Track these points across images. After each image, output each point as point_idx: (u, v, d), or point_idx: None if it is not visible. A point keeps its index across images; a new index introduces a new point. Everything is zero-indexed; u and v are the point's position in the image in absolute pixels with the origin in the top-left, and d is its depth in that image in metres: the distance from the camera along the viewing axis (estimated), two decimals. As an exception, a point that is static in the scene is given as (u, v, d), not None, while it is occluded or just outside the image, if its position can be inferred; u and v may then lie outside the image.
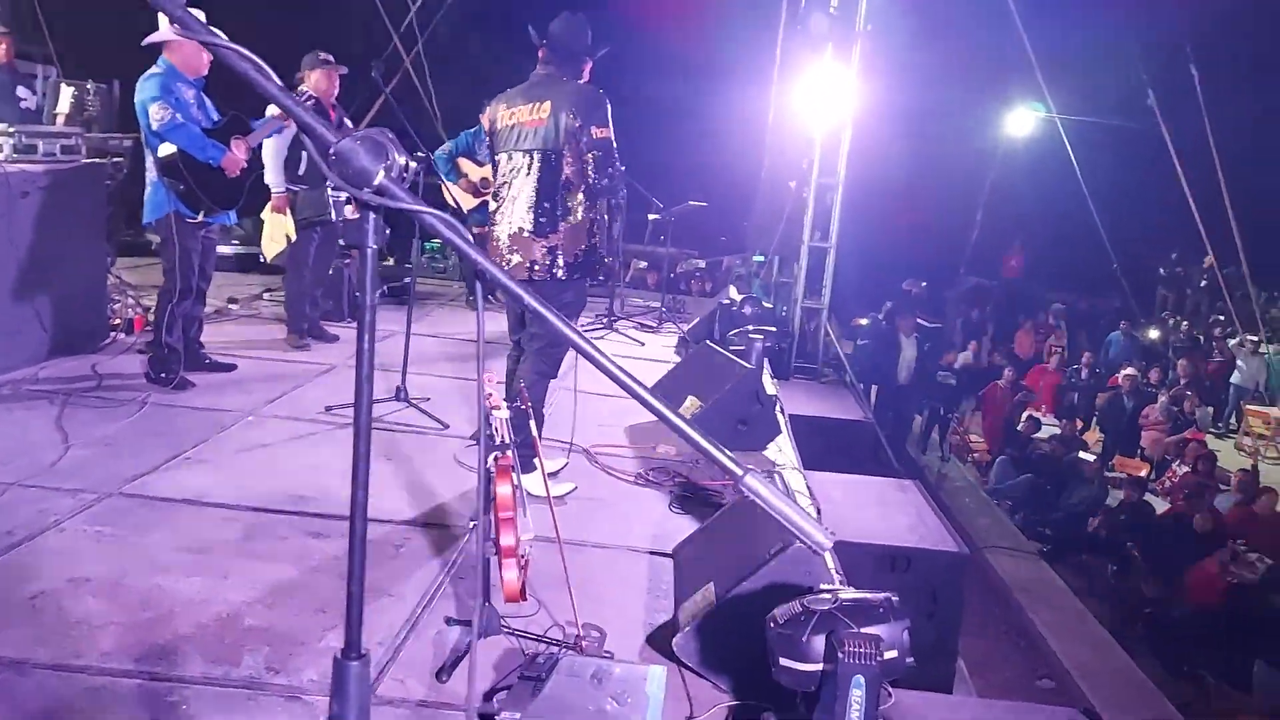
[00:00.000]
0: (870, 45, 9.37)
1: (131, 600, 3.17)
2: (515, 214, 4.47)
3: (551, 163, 4.40)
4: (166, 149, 5.38)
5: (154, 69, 5.47)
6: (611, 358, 1.38)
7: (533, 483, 3.87)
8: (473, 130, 8.21)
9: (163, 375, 5.67)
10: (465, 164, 8.29)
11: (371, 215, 1.36)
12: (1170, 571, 9.85)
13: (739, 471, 1.25)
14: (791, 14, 11.45)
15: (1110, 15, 15.56)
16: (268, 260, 6.97)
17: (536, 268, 4.44)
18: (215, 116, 5.71)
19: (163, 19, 5.39)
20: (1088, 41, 15.70)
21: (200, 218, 5.57)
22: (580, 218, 4.46)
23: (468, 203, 8.22)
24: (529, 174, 4.44)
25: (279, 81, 1.31)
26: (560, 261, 4.44)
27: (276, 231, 6.63)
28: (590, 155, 4.38)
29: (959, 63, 16.65)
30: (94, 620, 3.02)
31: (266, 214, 6.62)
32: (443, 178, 7.68)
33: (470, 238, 1.33)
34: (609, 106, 4.45)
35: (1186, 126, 12.95)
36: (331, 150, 1.30)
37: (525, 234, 4.44)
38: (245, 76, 1.29)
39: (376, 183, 1.32)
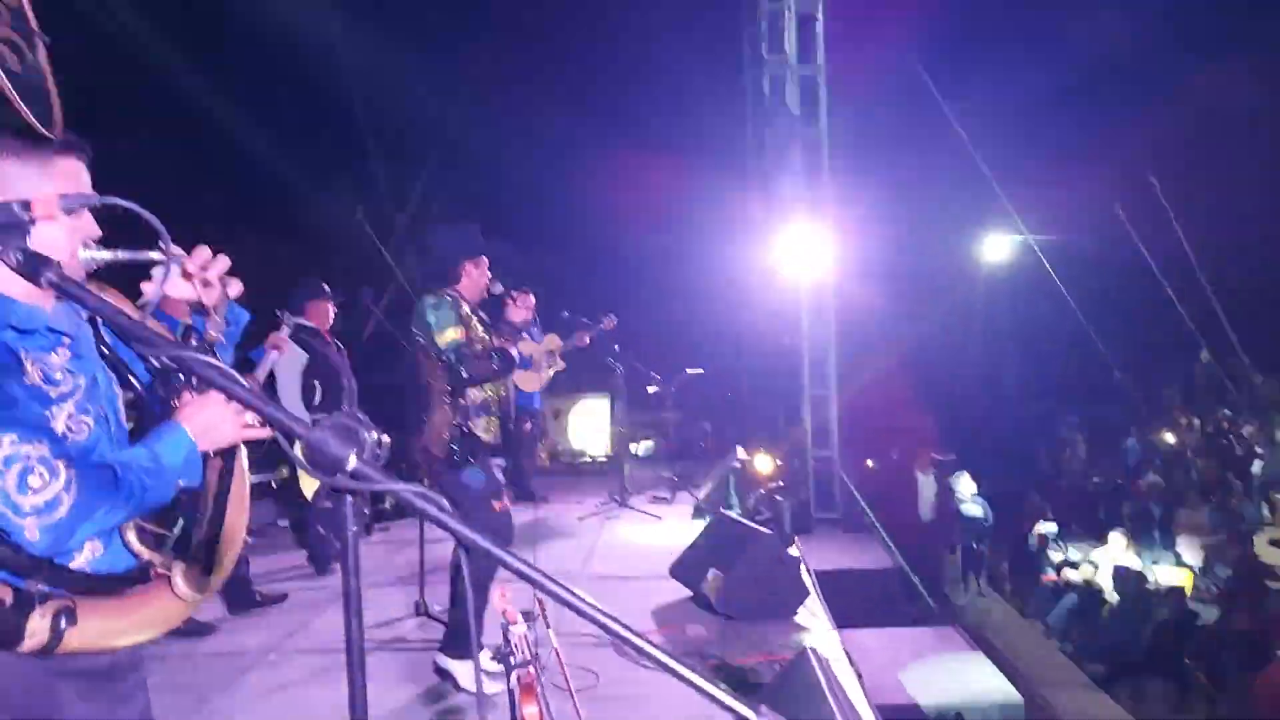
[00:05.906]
0: (838, 197, 9.72)
1: None
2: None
3: None
4: None
5: None
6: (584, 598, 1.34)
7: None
8: None
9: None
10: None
11: (349, 499, 1.38)
12: (1232, 683, 9.46)
13: (750, 716, 1.24)
14: (758, 177, 11.86)
15: (1066, 133, 16.12)
16: (309, 499, 6.89)
17: None
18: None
19: None
20: (1048, 161, 16.21)
21: None
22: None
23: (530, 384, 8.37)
24: None
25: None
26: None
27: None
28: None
29: (928, 200, 17.15)
30: None
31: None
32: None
33: (448, 508, 1.33)
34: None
35: (1158, 230, 13.25)
36: (301, 442, 1.34)
37: None
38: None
39: (350, 468, 1.33)
